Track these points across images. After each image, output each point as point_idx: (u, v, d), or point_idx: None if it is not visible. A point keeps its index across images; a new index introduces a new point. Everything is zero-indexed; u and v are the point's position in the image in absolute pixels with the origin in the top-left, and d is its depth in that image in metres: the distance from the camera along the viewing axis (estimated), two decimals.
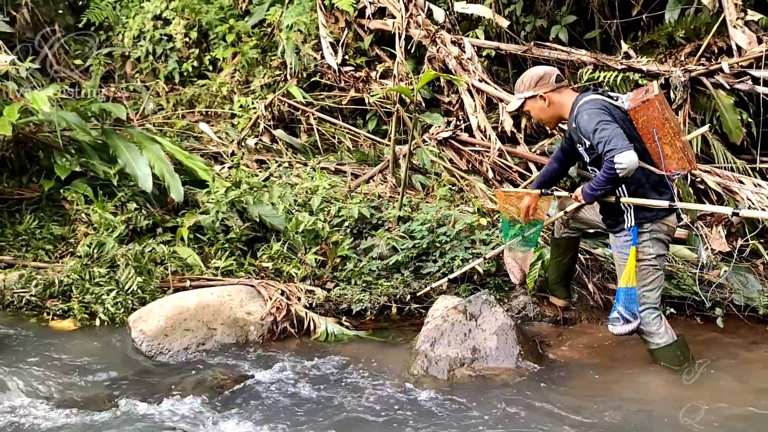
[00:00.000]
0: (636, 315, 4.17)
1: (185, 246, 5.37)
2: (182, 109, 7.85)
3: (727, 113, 5.91)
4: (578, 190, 4.25)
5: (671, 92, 5.97)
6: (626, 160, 3.83)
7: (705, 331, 4.94)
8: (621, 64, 6.26)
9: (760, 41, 5.89)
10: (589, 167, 4.32)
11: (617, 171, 3.86)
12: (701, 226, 5.59)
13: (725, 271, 5.35)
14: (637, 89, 4.38)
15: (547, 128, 4.06)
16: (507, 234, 4.86)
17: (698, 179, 5.73)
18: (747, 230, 5.38)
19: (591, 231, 5.36)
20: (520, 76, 4.40)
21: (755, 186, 5.62)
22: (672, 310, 5.09)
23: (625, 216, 4.16)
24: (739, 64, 5.93)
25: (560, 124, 4.65)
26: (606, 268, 5.51)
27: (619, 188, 4.11)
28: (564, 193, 4.58)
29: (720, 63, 5.95)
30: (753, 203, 5.43)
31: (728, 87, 5.93)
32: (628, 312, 4.17)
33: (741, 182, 5.66)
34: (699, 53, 6.21)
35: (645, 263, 4.16)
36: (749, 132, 6.04)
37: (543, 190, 4.60)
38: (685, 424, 3.57)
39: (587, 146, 4.10)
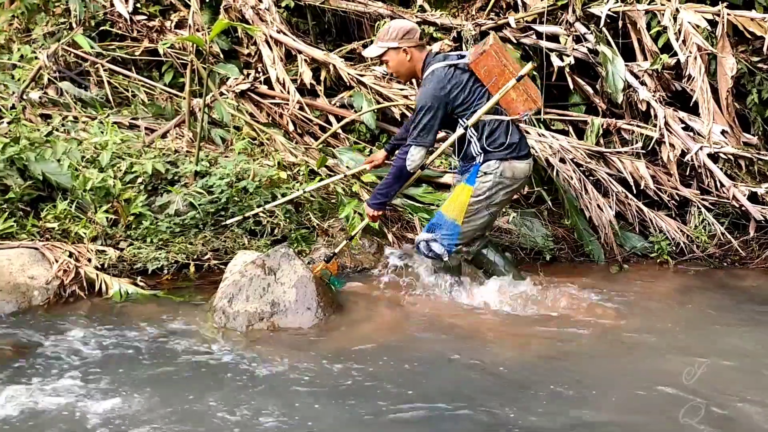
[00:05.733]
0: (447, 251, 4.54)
1: None
2: None
3: None
4: (366, 208, 4.68)
5: (463, 45, 6.19)
6: (418, 156, 4.29)
7: None
8: (416, 17, 6.39)
9: None
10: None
11: (408, 162, 4.30)
12: None
13: (514, 216, 5.68)
14: (477, 44, 4.59)
15: (401, 81, 4.50)
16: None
17: None
18: (533, 178, 5.73)
19: None
20: (386, 25, 4.53)
21: (539, 135, 5.97)
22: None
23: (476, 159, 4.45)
24: (524, 19, 6.24)
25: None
26: (404, 218, 5.66)
27: (474, 142, 4.40)
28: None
29: (507, 18, 6.23)
30: (537, 151, 5.76)
31: (515, 41, 6.23)
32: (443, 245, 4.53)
33: (527, 132, 5.98)
34: (488, 8, 6.47)
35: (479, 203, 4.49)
36: (534, 84, 6.38)
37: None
38: (471, 377, 3.71)
39: None
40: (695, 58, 5.76)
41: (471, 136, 4.39)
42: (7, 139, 5.23)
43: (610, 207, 5.77)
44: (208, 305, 4.40)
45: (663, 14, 5.94)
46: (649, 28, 6.10)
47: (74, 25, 6.83)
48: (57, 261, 4.60)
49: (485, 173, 4.40)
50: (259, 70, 6.66)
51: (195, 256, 5.02)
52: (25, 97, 6.38)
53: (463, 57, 4.41)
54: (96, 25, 6.97)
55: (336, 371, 3.64)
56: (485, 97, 4.33)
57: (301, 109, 6.28)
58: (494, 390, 3.47)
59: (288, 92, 6.27)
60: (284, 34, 6.59)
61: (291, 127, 6.22)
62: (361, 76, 6.31)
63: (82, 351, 3.83)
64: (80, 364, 3.68)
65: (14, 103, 6.24)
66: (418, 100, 4.33)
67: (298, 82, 6.41)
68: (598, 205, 5.73)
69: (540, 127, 6.20)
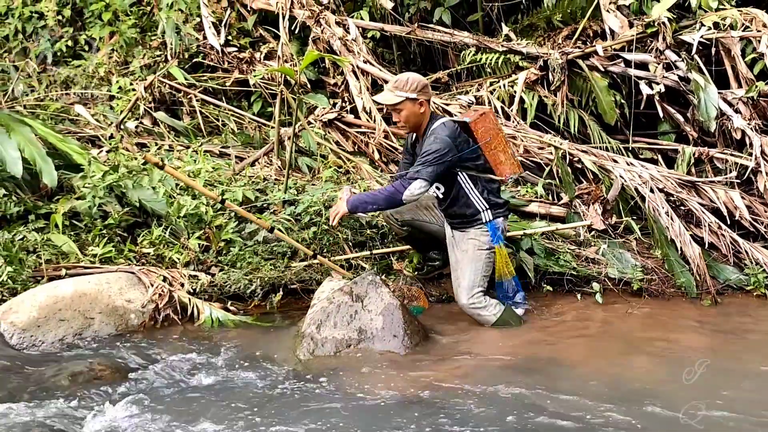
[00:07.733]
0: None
1: (60, 233, 5.12)
2: (56, 91, 7.49)
3: (601, 95, 6.14)
4: (340, 203, 4.59)
5: (550, 74, 6.16)
6: (419, 190, 4.35)
7: (583, 305, 5.16)
8: (502, 46, 6.40)
9: (631, 25, 6.15)
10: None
11: (406, 193, 4.34)
12: (579, 204, 5.80)
13: (602, 246, 5.57)
14: (468, 110, 4.84)
15: (402, 131, 4.59)
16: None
17: (576, 159, 5.92)
18: (621, 207, 5.63)
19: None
20: (403, 76, 4.57)
21: (628, 165, 5.86)
22: (549, 287, 5.27)
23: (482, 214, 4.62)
24: (612, 47, 6.17)
25: None
26: None
27: (476, 195, 4.60)
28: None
29: (595, 46, 6.18)
30: (626, 180, 5.66)
31: (602, 69, 6.16)
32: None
33: (615, 161, 5.90)
34: (575, 36, 6.43)
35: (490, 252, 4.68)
36: (622, 113, 6.30)
37: None
38: (572, 397, 3.67)
39: None
40: None
41: (469, 190, 4.60)
42: (106, 167, 5.45)
43: (703, 238, 5.60)
44: (296, 331, 4.45)
45: (759, 41, 5.80)
46: (743, 54, 5.96)
47: (169, 57, 7.11)
48: (152, 285, 4.75)
49: (497, 228, 4.64)
50: (346, 99, 6.77)
51: (282, 283, 5.10)
52: (122, 126, 6.65)
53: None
54: (189, 57, 7.24)
55: (424, 400, 3.63)
56: (480, 156, 4.57)
57: (387, 137, 6.34)
58: (585, 426, 3.40)
59: (374, 121, 6.35)
60: (370, 64, 6.69)
61: (377, 156, 6.29)
62: (447, 105, 6.33)
63: (176, 375, 3.94)
64: (174, 389, 3.78)
65: (113, 133, 6.52)
66: (434, 143, 4.40)
67: (384, 110, 6.49)
68: (690, 236, 5.57)
69: (628, 156, 6.10)
